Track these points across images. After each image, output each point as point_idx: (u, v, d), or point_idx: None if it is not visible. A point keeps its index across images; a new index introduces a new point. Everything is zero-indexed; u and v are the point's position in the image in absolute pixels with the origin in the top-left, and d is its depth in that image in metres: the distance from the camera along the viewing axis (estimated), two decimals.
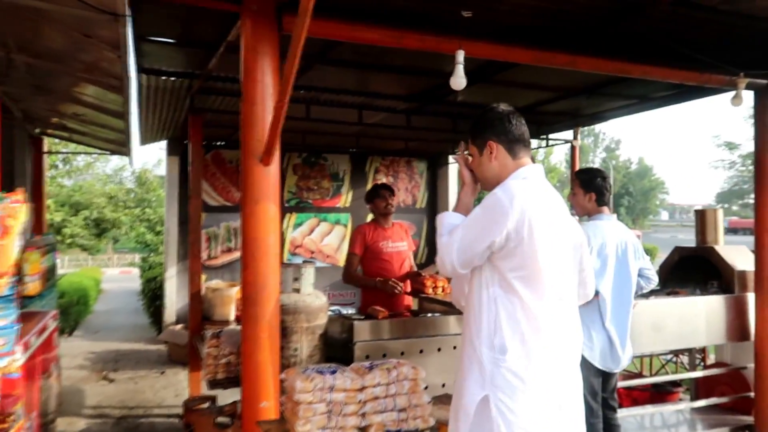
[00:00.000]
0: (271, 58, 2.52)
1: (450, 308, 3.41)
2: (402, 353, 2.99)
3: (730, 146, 17.35)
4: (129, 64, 3.02)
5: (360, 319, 3.09)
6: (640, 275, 3.25)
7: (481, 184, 2.12)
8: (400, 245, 4.18)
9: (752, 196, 4.11)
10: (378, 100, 4.96)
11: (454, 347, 3.11)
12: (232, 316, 4.66)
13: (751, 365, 3.98)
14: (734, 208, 47.93)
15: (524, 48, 3.10)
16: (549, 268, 1.83)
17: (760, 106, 3.81)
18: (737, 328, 4.01)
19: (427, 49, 2.91)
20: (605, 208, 3.21)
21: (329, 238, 8.18)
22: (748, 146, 17.12)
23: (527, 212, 1.78)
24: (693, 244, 4.57)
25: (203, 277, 7.39)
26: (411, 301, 4.17)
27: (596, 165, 63.51)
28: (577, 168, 6.13)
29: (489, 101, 4.89)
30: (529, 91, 4.74)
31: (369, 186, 8.26)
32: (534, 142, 7.26)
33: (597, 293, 3.03)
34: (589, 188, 3.20)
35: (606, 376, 3.14)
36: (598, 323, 3.05)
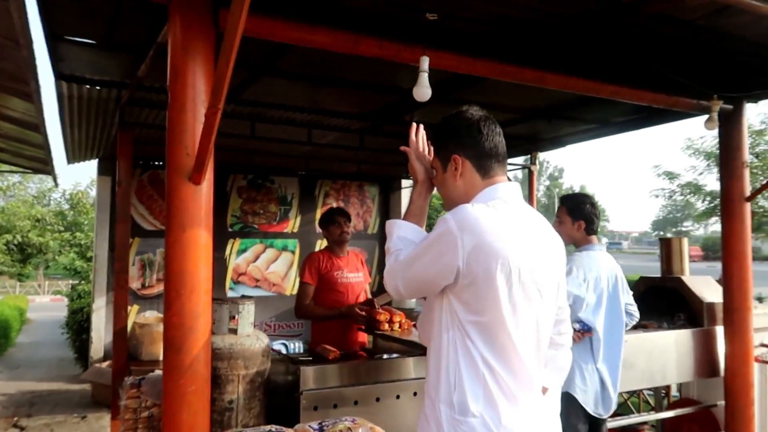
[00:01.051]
0: (205, 59, 2.14)
1: (410, 348, 3.05)
2: (356, 402, 2.61)
3: (670, 176, 17.78)
4: (34, 64, 2.57)
5: (307, 363, 2.69)
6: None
7: (444, 205, 1.81)
8: (355, 276, 3.82)
9: (685, 223, 3.94)
10: (330, 118, 4.63)
11: (415, 393, 2.74)
12: (162, 356, 4.14)
13: (721, 403, 3.78)
14: (668, 235, 49.87)
15: (491, 61, 2.83)
16: (517, 319, 1.50)
17: (726, 132, 3.69)
18: (707, 364, 3.81)
19: (386, 57, 2.60)
20: (594, 238, 2.97)
21: (276, 265, 7.71)
22: (687, 176, 17.61)
23: (483, 245, 1.45)
24: (641, 272, 4.40)
25: (135, 308, 6.81)
26: (365, 338, 3.79)
27: (540, 193, 65.18)
28: (534, 194, 5.96)
29: None
30: (488, 112, 4.51)
31: (319, 211, 7.89)
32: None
33: (590, 330, 2.78)
34: (577, 216, 2.95)
35: (595, 424, 2.85)
36: (590, 363, 2.79)
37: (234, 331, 2.49)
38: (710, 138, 18.83)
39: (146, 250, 6.88)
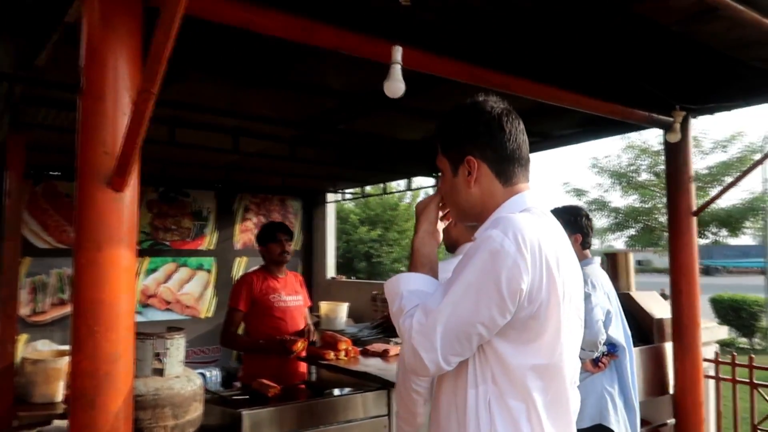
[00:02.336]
0: (129, 35, 1.71)
1: (360, 380, 2.69)
2: None
3: (578, 193, 18.60)
4: None
5: (247, 405, 2.26)
6: None
7: (454, 215, 1.49)
8: (294, 299, 3.41)
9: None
10: (259, 124, 4.20)
11: None
12: (59, 397, 3.51)
13: (671, 421, 3.71)
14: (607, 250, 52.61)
15: (458, 61, 2.58)
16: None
17: (672, 147, 3.65)
18: (657, 382, 3.73)
19: (345, 50, 2.26)
20: (588, 252, 2.79)
21: (190, 285, 7.07)
22: (594, 193, 18.51)
23: (546, 265, 1.17)
24: None
25: (24, 336, 5.95)
26: (305, 368, 3.38)
27: None
28: None
29: (386, 132, 4.39)
30: (432, 122, 4.27)
31: (237, 226, 7.36)
32: (426, 181, 6.90)
33: (616, 352, 2.61)
34: (574, 229, 2.77)
35: None
36: (617, 386, 2.63)
37: (160, 372, 2.03)
38: (614, 157, 20.00)
39: (38, 271, 6.05)
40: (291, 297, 3.39)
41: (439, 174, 1.54)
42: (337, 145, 4.90)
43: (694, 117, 3.70)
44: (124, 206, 1.66)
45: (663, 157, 13.70)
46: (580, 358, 2.47)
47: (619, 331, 2.79)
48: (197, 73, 3.17)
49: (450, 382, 1.26)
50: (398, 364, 1.94)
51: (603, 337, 2.62)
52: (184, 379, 2.06)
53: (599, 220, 22.56)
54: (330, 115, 4.08)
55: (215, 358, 7.06)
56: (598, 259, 2.90)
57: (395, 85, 2.02)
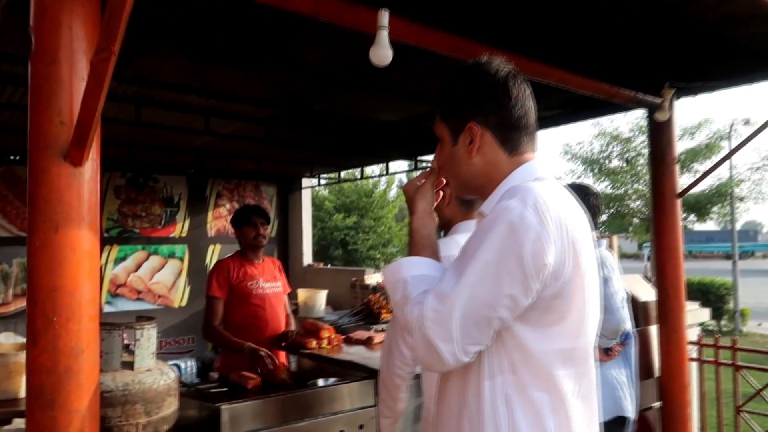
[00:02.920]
0: None
1: (344, 369, 2.56)
2: None
3: None
4: None
5: (225, 399, 2.12)
6: None
7: (454, 187, 1.37)
8: (272, 286, 3.26)
9: None
10: (232, 104, 4.01)
11: (361, 426, 2.27)
12: (22, 393, 3.29)
13: (656, 405, 3.67)
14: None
15: (442, 32, 2.44)
16: (593, 333, 1.13)
17: (655, 129, 3.58)
18: (642, 366, 3.68)
19: (325, 17, 2.10)
20: (595, 234, 2.69)
21: (161, 274, 6.84)
22: (566, 179, 18.67)
23: (570, 236, 1.06)
24: None
25: None
26: (285, 359, 3.24)
27: None
28: None
29: (364, 113, 4.24)
30: (412, 103, 4.13)
31: (210, 213, 7.14)
32: (402, 164, 6.77)
33: (626, 339, 2.57)
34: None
35: None
36: (626, 374, 2.62)
37: (130, 366, 1.87)
38: (586, 144, 20.15)
39: (0, 260, 5.77)
40: (269, 284, 3.23)
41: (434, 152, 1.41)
42: (313, 127, 4.73)
43: (677, 98, 3.63)
44: (84, 182, 1.49)
45: (633, 144, 13.81)
46: (603, 346, 2.37)
47: (629, 317, 2.73)
48: (163, 47, 2.97)
49: (458, 375, 1.13)
50: (383, 348, 1.82)
51: (627, 325, 2.56)
52: (157, 373, 1.90)
53: None
54: (306, 93, 3.90)
55: (190, 349, 6.86)
56: (605, 242, 2.81)
57: (382, 52, 1.87)
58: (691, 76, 3.14)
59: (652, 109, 3.45)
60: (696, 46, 2.92)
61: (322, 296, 5.65)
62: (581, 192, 2.76)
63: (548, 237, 1.03)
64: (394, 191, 20.18)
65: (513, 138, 1.25)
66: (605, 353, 2.70)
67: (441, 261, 1.26)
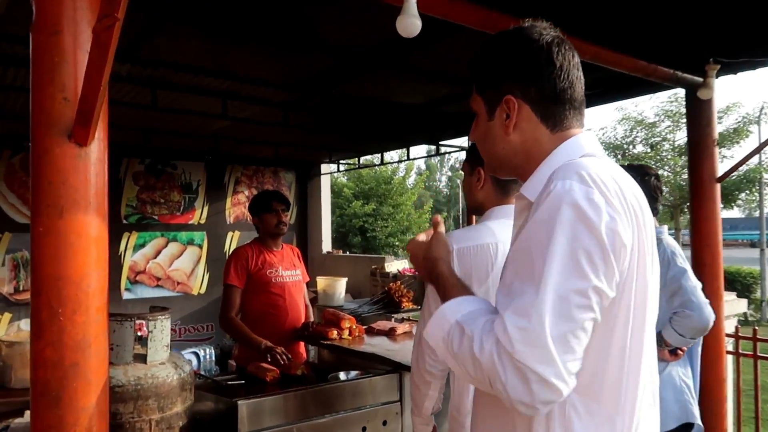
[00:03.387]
0: None
1: (367, 361, 2.45)
2: None
3: None
4: None
5: (243, 393, 2.02)
6: None
7: (489, 166, 1.24)
8: (292, 274, 3.15)
9: None
10: (249, 86, 3.89)
11: (385, 423, 2.16)
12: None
13: None
14: None
15: (472, 4, 2.28)
16: (653, 329, 1.00)
17: (694, 108, 3.39)
18: None
19: None
20: (655, 220, 2.52)
21: (180, 261, 6.81)
22: None
23: (635, 215, 0.94)
24: None
25: (7, 316, 5.69)
26: (303, 348, 3.14)
27: (443, 183, 66.45)
28: None
29: (384, 95, 4.08)
30: (434, 85, 3.97)
31: (229, 200, 7.08)
32: (421, 150, 6.63)
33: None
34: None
35: None
36: (691, 375, 2.53)
37: (142, 359, 1.77)
38: (609, 129, 19.71)
39: (19, 247, 5.77)
40: (289, 272, 3.13)
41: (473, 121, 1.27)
42: (332, 111, 4.60)
43: (717, 77, 3.43)
44: (90, 164, 1.38)
45: (658, 129, 13.42)
46: (675, 347, 2.18)
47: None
48: (176, 26, 2.86)
49: None
50: (414, 341, 1.70)
51: (712, 320, 2.36)
52: (171, 366, 1.80)
53: None
54: (324, 76, 3.77)
55: (209, 336, 6.84)
56: (665, 229, 2.63)
57: (409, 21, 1.73)
58: (735, 52, 2.94)
59: (691, 89, 3.26)
60: (740, 20, 2.73)
61: (341, 284, 5.55)
62: (639, 173, 2.53)
63: (620, 217, 0.90)
64: (412, 178, 20.02)
65: (556, 112, 1.11)
66: (671, 353, 2.47)
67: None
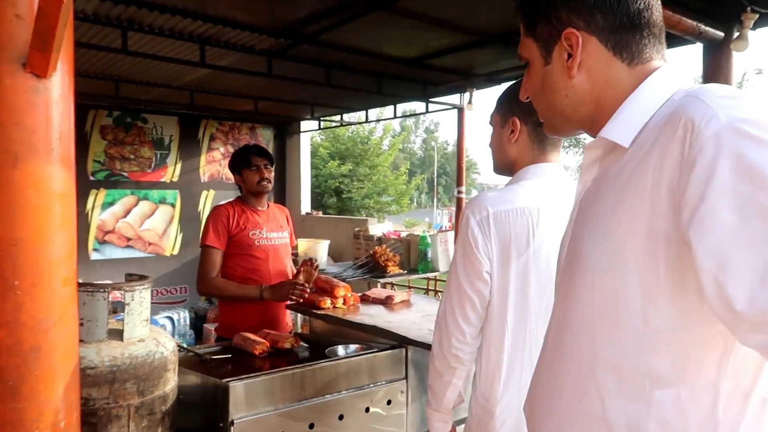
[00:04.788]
0: None
1: (368, 334, 2.24)
2: (311, 425, 1.77)
3: None
4: None
5: (231, 371, 1.80)
6: None
7: (550, 125, 1.01)
8: (279, 236, 2.90)
9: None
10: (231, 31, 3.55)
11: (389, 402, 1.97)
12: None
13: None
14: None
15: None
16: None
17: (712, 68, 3.18)
18: None
19: None
20: None
21: (152, 221, 6.47)
22: None
23: None
24: None
25: None
26: (289, 317, 2.91)
27: (417, 146, 65.92)
28: (464, 139, 5.30)
29: (373, 46, 3.78)
30: (429, 34, 3.67)
31: (203, 157, 6.73)
32: (419, 106, 6.38)
33: None
34: None
35: None
36: None
37: (118, 336, 1.53)
38: None
39: None
40: (276, 233, 2.87)
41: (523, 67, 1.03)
42: (317, 61, 4.27)
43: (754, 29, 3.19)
44: (52, 101, 1.10)
45: None
46: None
47: None
48: None
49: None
50: (436, 321, 1.49)
51: None
52: (152, 343, 1.56)
53: (573, 157, 22.41)
54: (311, 20, 3.44)
55: (183, 299, 6.59)
56: None
57: None
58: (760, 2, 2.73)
59: (711, 45, 3.05)
60: None
61: (323, 247, 5.33)
62: None
63: None
64: (388, 140, 19.67)
65: (632, 41, 0.89)
66: None
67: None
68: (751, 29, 2.63)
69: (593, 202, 0.89)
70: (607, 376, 0.82)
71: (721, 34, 3.04)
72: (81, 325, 1.48)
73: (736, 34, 3.03)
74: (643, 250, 0.77)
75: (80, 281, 1.58)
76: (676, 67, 0.94)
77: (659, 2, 0.93)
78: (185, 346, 2.28)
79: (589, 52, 0.90)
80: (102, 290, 1.49)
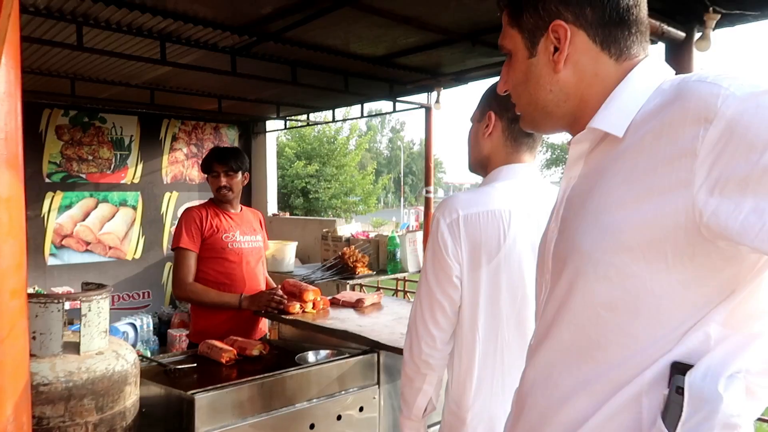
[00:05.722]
0: None
1: (338, 339, 2.18)
2: None
3: None
4: None
5: (202, 388, 1.71)
6: None
7: (531, 117, 0.98)
8: (252, 240, 2.82)
9: None
10: (193, 27, 3.44)
11: (361, 409, 1.91)
12: None
13: None
14: None
15: None
16: None
17: (674, 65, 3.22)
18: None
19: None
20: None
21: (112, 223, 6.27)
22: None
23: None
24: None
25: None
26: (264, 323, 2.83)
27: (383, 145, 65.96)
28: (432, 136, 5.27)
29: (340, 43, 3.72)
30: (396, 32, 3.63)
31: (166, 157, 6.56)
32: (385, 105, 6.30)
33: None
34: None
35: None
36: None
37: (74, 349, 1.44)
38: None
39: None
40: (248, 237, 2.79)
41: (505, 57, 0.99)
42: (284, 59, 4.19)
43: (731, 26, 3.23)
44: None
45: None
46: None
47: None
48: None
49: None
50: (409, 326, 1.45)
51: None
52: (111, 356, 1.47)
53: (541, 156, 22.69)
54: (276, 17, 3.36)
55: (146, 304, 6.40)
56: None
57: None
58: (728, 3, 2.76)
59: (673, 45, 3.09)
60: None
61: (291, 248, 5.24)
62: None
63: None
64: (355, 139, 19.57)
65: (620, 37, 0.87)
66: None
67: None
68: (713, 29, 2.67)
69: (588, 197, 0.86)
70: (615, 353, 0.81)
71: (683, 34, 3.08)
72: (33, 338, 1.39)
73: (699, 34, 3.08)
74: (650, 241, 0.76)
75: (31, 292, 1.49)
76: (659, 59, 0.92)
77: (646, 0, 0.91)
78: (148, 355, 2.19)
79: (576, 46, 0.88)
80: (56, 301, 1.40)
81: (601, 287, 0.81)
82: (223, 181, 2.76)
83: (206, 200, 2.86)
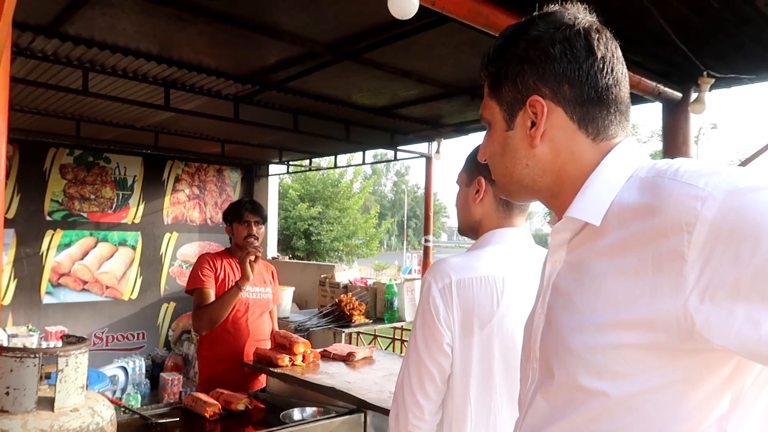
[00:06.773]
0: None
1: (326, 395, 2.13)
2: None
3: None
4: None
5: None
6: None
7: (506, 188, 0.97)
8: (261, 291, 2.82)
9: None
10: (197, 75, 3.50)
11: None
12: None
13: None
14: None
15: None
16: None
17: (671, 125, 3.26)
18: None
19: None
20: None
21: (110, 263, 6.25)
22: None
23: None
24: None
25: None
26: (264, 379, 2.78)
27: (387, 188, 66.32)
28: (431, 187, 5.29)
29: (342, 94, 3.79)
30: (397, 85, 3.69)
31: (168, 198, 6.58)
32: (369, 154, 6.36)
33: None
34: None
35: None
36: None
37: (49, 405, 1.40)
38: None
39: None
40: (258, 288, 2.79)
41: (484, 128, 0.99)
42: (286, 108, 4.25)
43: (728, 87, 3.28)
44: None
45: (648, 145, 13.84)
46: None
47: None
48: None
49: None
50: (395, 395, 1.40)
51: None
52: (87, 413, 1.43)
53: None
54: (280, 68, 3.43)
55: (140, 345, 6.32)
56: None
57: (406, 1, 1.43)
58: (723, 67, 2.81)
59: (670, 105, 3.13)
60: (730, 33, 2.59)
61: (288, 294, 5.19)
62: None
63: None
64: (359, 182, 19.72)
65: (598, 116, 0.86)
66: None
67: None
68: (708, 91, 2.70)
69: (576, 292, 0.83)
70: None
71: (679, 94, 3.13)
72: (6, 394, 1.35)
73: (694, 95, 3.12)
74: (642, 343, 0.73)
75: (4, 345, 1.46)
76: (634, 141, 0.91)
77: (627, 80, 0.91)
78: (138, 399, 2.13)
79: (553, 122, 0.87)
80: (32, 356, 1.37)
81: (593, 386, 0.79)
82: (253, 229, 2.79)
83: (223, 250, 2.90)
